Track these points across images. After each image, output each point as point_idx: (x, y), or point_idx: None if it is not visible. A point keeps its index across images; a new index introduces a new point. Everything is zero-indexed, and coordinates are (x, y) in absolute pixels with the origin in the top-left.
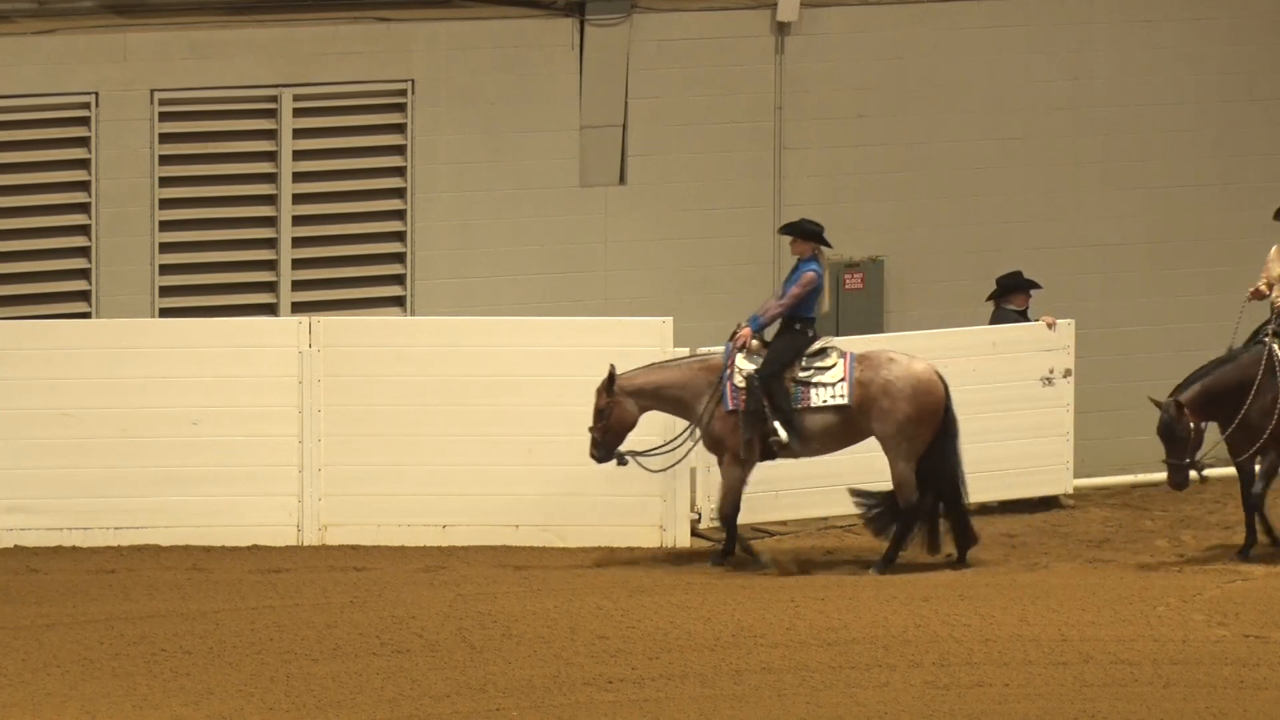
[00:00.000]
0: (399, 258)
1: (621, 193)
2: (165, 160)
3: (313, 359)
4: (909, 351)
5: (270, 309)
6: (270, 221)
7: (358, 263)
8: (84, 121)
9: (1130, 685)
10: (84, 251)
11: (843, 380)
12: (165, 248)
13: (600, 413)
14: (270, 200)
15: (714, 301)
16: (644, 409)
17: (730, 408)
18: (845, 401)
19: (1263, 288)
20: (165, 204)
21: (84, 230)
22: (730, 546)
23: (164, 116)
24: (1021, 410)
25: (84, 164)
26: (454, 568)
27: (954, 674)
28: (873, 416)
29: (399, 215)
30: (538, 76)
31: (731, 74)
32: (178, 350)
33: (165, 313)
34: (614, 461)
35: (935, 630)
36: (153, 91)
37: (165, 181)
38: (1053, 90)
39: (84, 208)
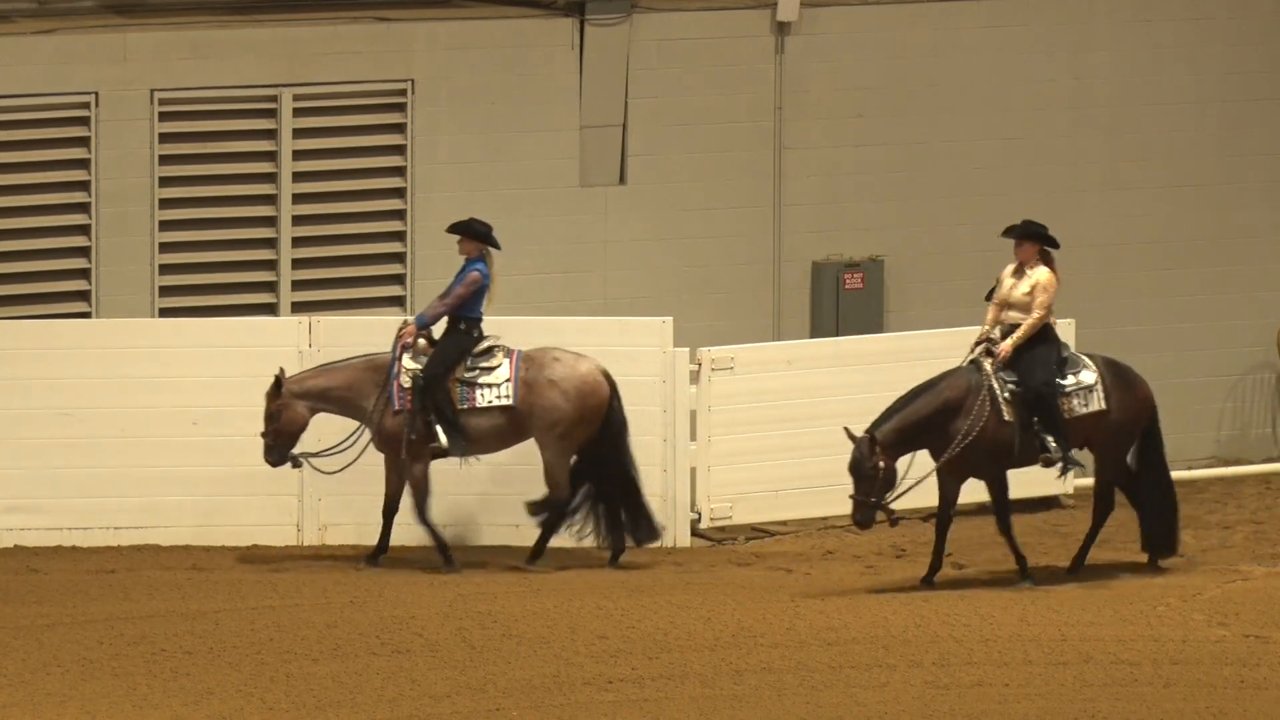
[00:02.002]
0: (399, 258)
1: (621, 193)
2: (165, 160)
3: (313, 359)
4: (579, 351)
5: (270, 309)
6: (270, 221)
7: (358, 263)
8: (84, 121)
9: (1130, 685)
10: (84, 251)
11: (508, 380)
12: (165, 248)
13: (270, 416)
14: (270, 200)
15: (714, 301)
16: (315, 411)
17: (397, 408)
18: (510, 402)
19: (983, 333)
20: (165, 204)
21: (84, 230)
22: (440, 542)
23: (164, 116)
24: None
25: (84, 164)
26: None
27: (954, 674)
28: (533, 414)
29: (399, 215)
30: (538, 76)
31: (731, 74)
32: (178, 350)
33: (165, 313)
34: (288, 464)
35: (935, 630)
36: (153, 91)
37: (165, 181)
38: (1053, 90)
39: (84, 208)
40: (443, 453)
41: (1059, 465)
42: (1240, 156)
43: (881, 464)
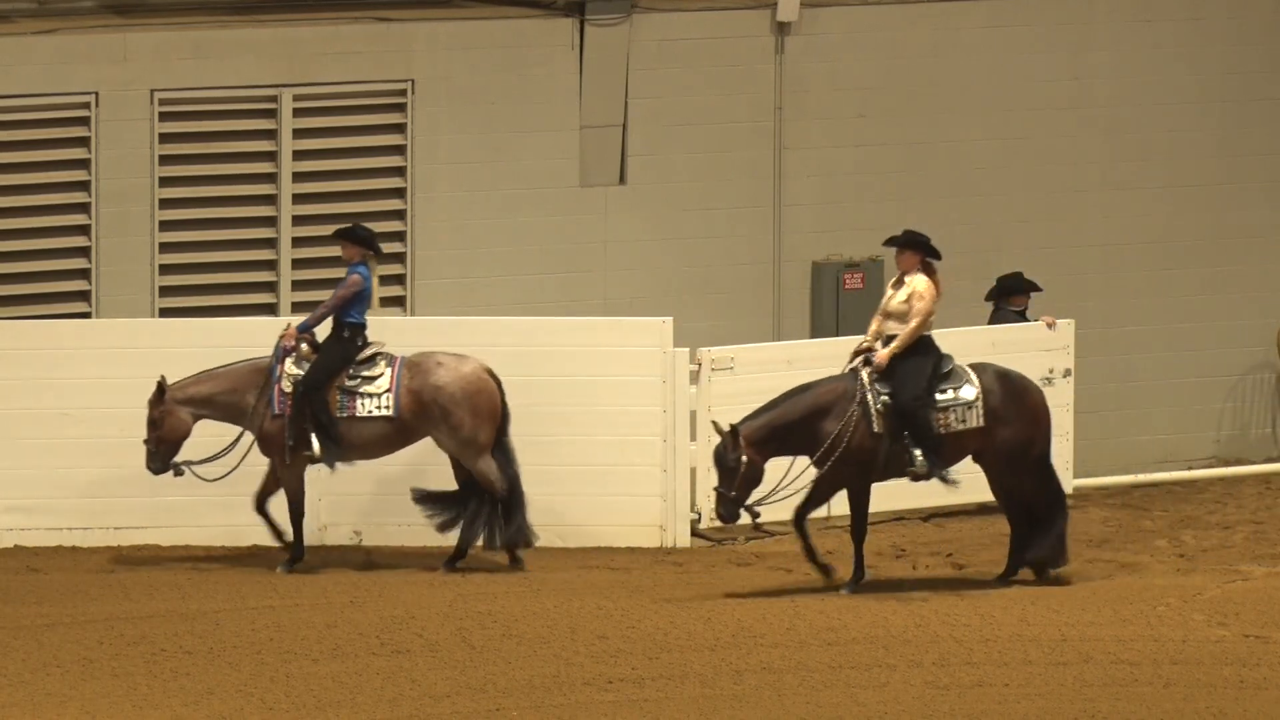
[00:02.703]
0: (399, 258)
1: (621, 193)
2: (165, 160)
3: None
4: (460, 352)
5: (270, 309)
6: (270, 221)
7: None
8: (84, 121)
9: (1130, 685)
10: (84, 251)
11: (389, 391)
12: (165, 248)
13: (153, 424)
14: (270, 200)
15: (714, 301)
16: (198, 417)
17: (277, 412)
18: (390, 413)
19: (864, 344)
20: (165, 204)
21: (84, 230)
22: (299, 552)
23: (164, 116)
24: None
25: (84, 164)
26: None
27: (954, 674)
28: (430, 425)
29: (399, 215)
30: (538, 76)
31: (731, 74)
32: (178, 350)
33: (165, 313)
34: (171, 473)
35: (935, 630)
36: (153, 91)
37: (165, 181)
38: (1053, 90)
39: (84, 208)
40: (315, 460)
41: (926, 480)
42: (1240, 156)
43: (744, 459)
